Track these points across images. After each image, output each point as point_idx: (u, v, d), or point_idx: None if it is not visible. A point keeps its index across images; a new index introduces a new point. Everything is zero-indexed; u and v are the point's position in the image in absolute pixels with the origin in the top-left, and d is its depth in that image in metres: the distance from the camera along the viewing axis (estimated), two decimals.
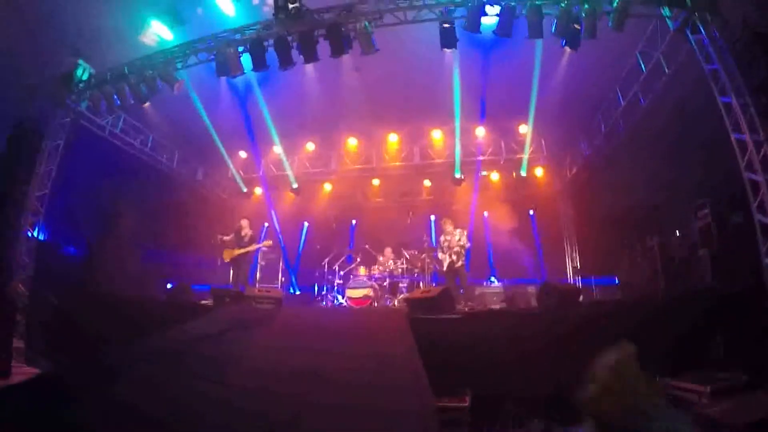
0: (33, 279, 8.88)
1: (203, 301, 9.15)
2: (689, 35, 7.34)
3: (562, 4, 7.58)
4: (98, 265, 10.49)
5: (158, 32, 9.34)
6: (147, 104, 9.67)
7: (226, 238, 10.81)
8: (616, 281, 11.52)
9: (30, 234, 9.12)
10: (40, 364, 7.66)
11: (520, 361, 5.67)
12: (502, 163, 14.11)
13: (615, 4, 7.41)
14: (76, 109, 9.96)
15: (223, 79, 9.29)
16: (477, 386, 5.27)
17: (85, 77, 9.86)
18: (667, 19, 7.74)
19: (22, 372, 7.36)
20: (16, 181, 8.97)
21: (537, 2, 7.67)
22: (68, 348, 7.33)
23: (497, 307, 10.48)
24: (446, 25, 8.11)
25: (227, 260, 10.74)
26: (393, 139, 14.13)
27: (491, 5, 7.90)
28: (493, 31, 7.96)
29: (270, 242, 11.73)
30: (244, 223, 10.99)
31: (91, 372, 4.73)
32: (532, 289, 11.45)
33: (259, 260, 13.43)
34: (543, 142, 13.72)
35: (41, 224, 9.36)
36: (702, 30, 7.14)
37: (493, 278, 13.09)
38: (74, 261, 11.38)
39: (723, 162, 7.64)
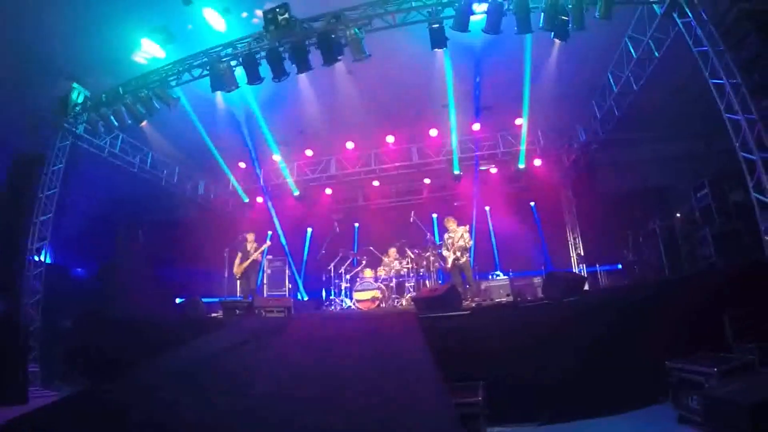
0: (44, 303, 9.02)
1: (214, 315, 9.24)
2: (677, 19, 7.43)
3: None
4: (108, 286, 10.60)
5: (150, 51, 9.46)
6: (144, 123, 9.78)
7: (237, 261, 10.89)
8: (621, 267, 11.61)
9: (37, 259, 9.22)
10: (57, 388, 7.82)
11: (529, 352, 5.79)
12: (500, 157, 14.18)
13: None
14: (74, 132, 10.12)
15: (219, 93, 9.33)
16: (489, 379, 5.37)
17: (80, 100, 10.01)
18: (653, 5, 7.85)
19: (40, 396, 7.57)
20: (20, 208, 9.09)
21: None
22: (85, 370, 7.44)
23: (504, 300, 10.56)
24: (435, 26, 8.21)
25: (238, 275, 10.83)
26: (390, 140, 14.21)
27: (478, 3, 7.99)
28: (482, 29, 8.05)
29: (269, 242, 11.79)
30: (250, 237, 11.10)
31: (110, 397, 4.85)
32: (537, 280, 11.55)
33: (265, 268, 13.54)
34: (539, 132, 13.80)
35: (48, 248, 9.51)
36: (689, 13, 7.22)
37: (498, 272, 13.17)
38: (84, 283, 11.52)
39: (721, 141, 7.73)
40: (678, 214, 9.61)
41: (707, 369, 4.58)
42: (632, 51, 9.18)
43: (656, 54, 8.56)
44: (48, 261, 9.53)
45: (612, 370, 5.52)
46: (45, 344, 8.65)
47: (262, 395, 4.50)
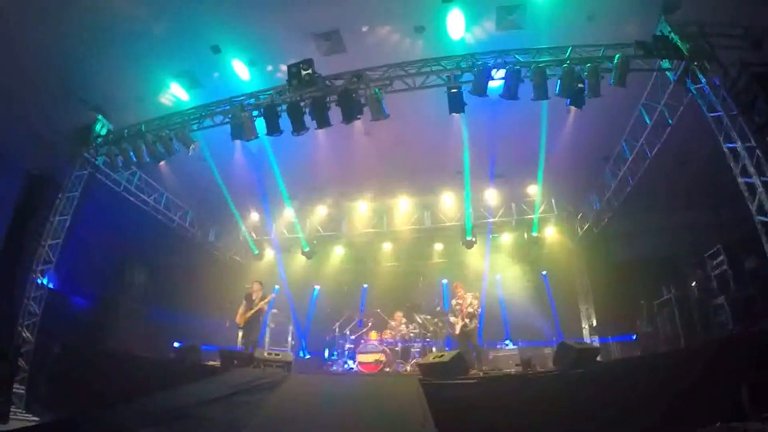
0: (39, 327, 8.99)
1: (211, 362, 8.96)
2: (690, 85, 7.64)
3: (565, 65, 7.95)
4: (105, 319, 10.47)
5: (176, 94, 9.78)
6: (162, 163, 9.91)
7: (241, 310, 10.72)
8: (635, 337, 11.22)
9: (40, 282, 9.26)
10: (39, 413, 7.68)
11: (538, 426, 5.44)
12: (513, 224, 14.14)
13: (615, 61, 7.74)
14: (93, 163, 10.36)
15: (237, 141, 9.47)
16: None
17: (103, 132, 10.38)
18: (667, 72, 8.07)
19: (22, 419, 7.52)
20: (30, 229, 9.19)
21: (540, 64, 8.06)
22: (69, 400, 7.26)
23: (512, 370, 10.15)
24: (454, 90, 8.47)
25: (241, 324, 10.60)
26: (404, 202, 14.39)
27: (497, 69, 8.27)
28: (500, 95, 8.28)
29: (275, 294, 11.57)
30: (256, 286, 10.99)
31: (92, 428, 4.62)
32: (548, 351, 11.22)
33: (268, 323, 13.31)
34: (553, 200, 13.84)
35: (52, 273, 9.57)
36: (702, 79, 7.42)
37: (507, 341, 12.79)
38: (82, 312, 11.39)
39: (732, 207, 7.64)
40: (693, 283, 9.35)
41: None
42: (646, 118, 9.39)
43: (670, 121, 8.75)
44: (51, 286, 9.49)
45: None
46: (34, 368, 8.55)
47: None
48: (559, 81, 8.01)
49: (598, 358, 7.92)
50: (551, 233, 14.51)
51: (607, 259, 13.71)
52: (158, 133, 9.67)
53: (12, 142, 10.50)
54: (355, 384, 9.10)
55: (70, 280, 11.35)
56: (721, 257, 8.30)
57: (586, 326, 13.95)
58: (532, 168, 11.71)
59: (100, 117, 10.26)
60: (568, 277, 14.58)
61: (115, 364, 7.98)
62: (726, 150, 7.18)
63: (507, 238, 15.04)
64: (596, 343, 12.95)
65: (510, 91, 8.14)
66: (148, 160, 9.91)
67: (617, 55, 7.75)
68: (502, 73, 8.24)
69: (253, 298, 10.82)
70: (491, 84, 8.29)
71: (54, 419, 7.20)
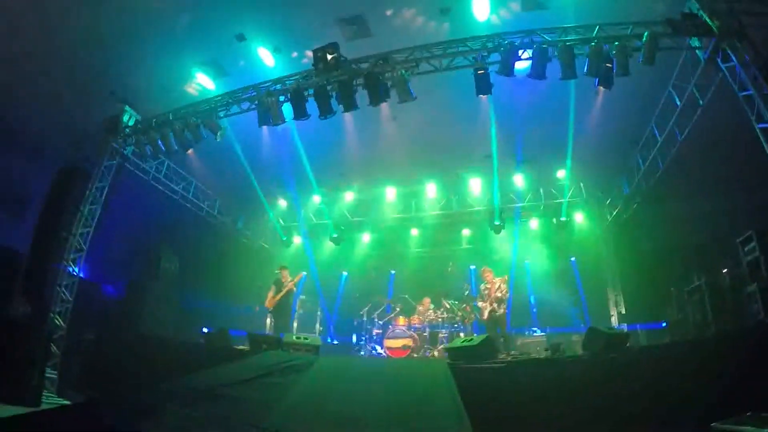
0: (72, 314, 9.22)
1: (240, 347, 9.12)
2: (720, 64, 7.45)
3: (593, 44, 7.85)
4: (136, 306, 10.73)
5: (202, 83, 9.91)
6: (191, 151, 10.10)
7: (270, 294, 10.90)
8: (665, 324, 11.02)
9: (71, 270, 9.47)
10: (71, 397, 7.91)
11: (567, 410, 5.42)
12: (541, 209, 14.02)
13: (644, 39, 7.62)
14: (122, 153, 10.54)
15: (265, 128, 9.59)
16: None
17: (131, 122, 10.52)
18: (696, 50, 7.91)
19: (53, 402, 7.64)
20: (60, 219, 9.36)
21: (567, 43, 7.96)
22: (102, 383, 7.45)
23: (541, 355, 10.09)
24: (480, 72, 8.39)
25: (271, 309, 10.75)
26: (431, 187, 14.37)
27: (523, 49, 8.20)
28: (527, 74, 8.20)
29: (304, 273, 11.70)
30: (284, 272, 11.10)
31: (122, 407, 4.76)
32: (576, 337, 11.10)
33: (297, 308, 13.46)
34: (582, 185, 13.62)
35: (83, 262, 9.74)
36: (733, 57, 7.23)
37: (535, 328, 12.70)
38: (113, 300, 11.67)
39: (762, 195, 7.39)
40: (724, 270, 9.10)
41: (757, 430, 4.11)
42: (677, 99, 9.19)
43: (700, 102, 8.56)
44: (82, 275, 9.73)
45: None
46: (66, 353, 8.80)
47: (275, 430, 4.31)
48: (587, 60, 7.90)
49: (627, 344, 7.83)
50: (580, 219, 14.34)
51: (636, 244, 13.46)
52: (186, 121, 9.80)
53: (46, 134, 10.84)
54: (384, 367, 9.18)
55: (101, 269, 11.67)
56: (753, 243, 8.04)
57: (615, 313, 13.75)
58: (561, 151, 11.62)
59: (127, 108, 10.41)
60: (597, 263, 14.36)
61: (146, 349, 8.21)
62: (758, 130, 6.99)
63: (535, 224, 14.92)
64: (625, 330, 12.80)
65: (538, 71, 8.05)
66: (176, 148, 10.03)
67: (645, 33, 7.60)
68: (529, 53, 8.15)
69: (282, 282, 10.96)
70: (519, 65, 8.22)
71: (86, 400, 7.46)
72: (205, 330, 11.45)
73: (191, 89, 10.21)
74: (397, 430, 4.27)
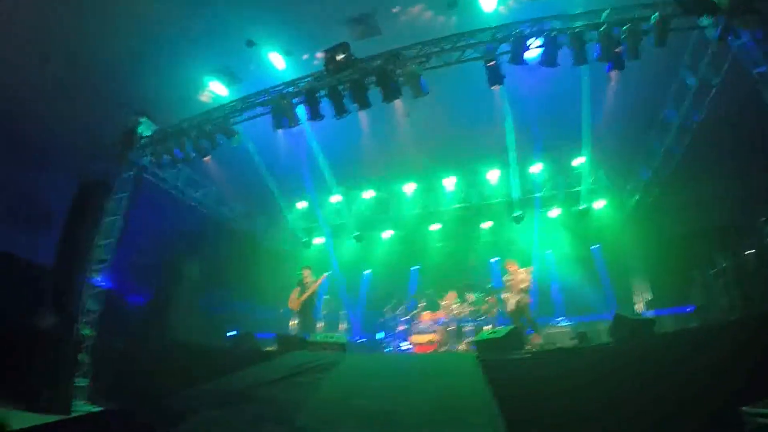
0: (99, 323, 9.39)
1: (267, 348, 9.22)
2: (731, 42, 7.39)
3: (602, 28, 7.78)
4: (161, 314, 10.88)
5: (215, 90, 10.10)
6: (208, 158, 10.24)
7: (294, 296, 10.99)
8: (691, 309, 10.88)
9: (97, 281, 9.66)
10: (102, 405, 8.11)
11: (595, 398, 5.38)
12: (562, 197, 13.89)
13: (653, 21, 7.53)
14: (139, 163, 10.69)
15: (280, 131, 9.68)
16: (551, 426, 4.98)
17: (147, 133, 10.64)
18: (707, 29, 7.80)
19: (82, 411, 7.91)
20: (84, 231, 9.59)
21: (577, 29, 7.94)
22: (132, 391, 7.57)
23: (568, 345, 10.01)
24: (491, 63, 8.41)
25: (296, 309, 10.85)
26: (449, 182, 14.38)
27: (533, 38, 8.19)
28: (539, 63, 8.20)
29: (327, 273, 11.77)
30: (306, 272, 11.17)
31: (154, 413, 4.86)
32: (602, 326, 10.92)
33: (321, 309, 13.54)
34: (601, 172, 13.43)
35: (107, 272, 9.90)
36: (743, 34, 7.17)
37: (560, 318, 12.59)
38: (138, 309, 11.86)
39: None
40: (749, 251, 8.97)
41: None
42: (690, 80, 9.10)
43: (714, 82, 8.48)
44: (106, 286, 9.90)
45: (683, 420, 5.07)
46: (96, 362, 8.94)
47: (306, 428, 4.36)
48: (598, 45, 7.86)
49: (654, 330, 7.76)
50: (601, 205, 14.16)
51: (659, 229, 13.27)
52: (202, 129, 9.93)
53: (66, 149, 11.07)
54: (411, 362, 9.20)
55: (126, 278, 11.87)
56: None
57: (640, 299, 13.58)
58: (578, 139, 11.57)
59: (142, 119, 10.52)
60: (620, 249, 14.17)
61: (174, 355, 8.37)
62: None
63: (556, 213, 14.75)
64: (651, 316, 12.64)
65: (549, 58, 8.04)
66: (193, 155, 10.17)
67: (655, 14, 7.51)
68: (539, 41, 8.12)
69: (305, 282, 11.04)
70: (529, 54, 8.21)
71: (118, 407, 7.60)
72: (230, 334, 11.59)
73: (205, 97, 10.38)
74: (427, 424, 4.29)
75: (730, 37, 7.33)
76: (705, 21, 7.65)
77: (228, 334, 11.88)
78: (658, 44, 7.55)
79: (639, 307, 13.38)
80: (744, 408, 4.63)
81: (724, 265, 9.57)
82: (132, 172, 10.53)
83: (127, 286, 12.22)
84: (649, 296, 13.34)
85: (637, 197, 13.55)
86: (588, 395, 5.52)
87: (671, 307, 12.07)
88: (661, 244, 12.76)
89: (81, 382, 8.57)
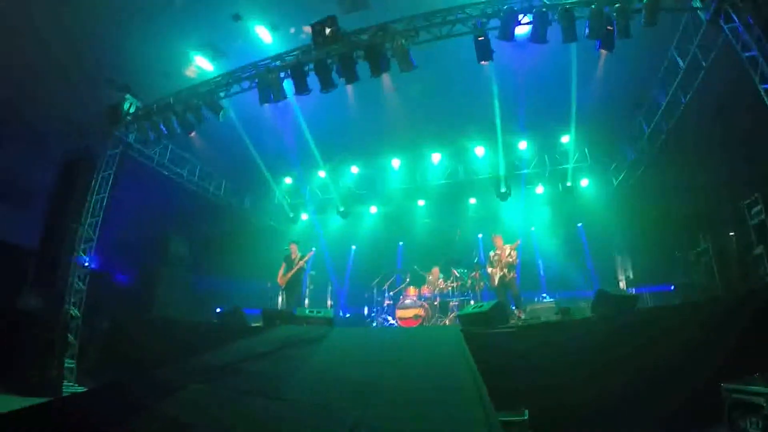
0: (86, 303, 9.38)
1: (254, 324, 9.28)
2: (723, 25, 7.34)
3: (593, 6, 7.77)
4: (149, 291, 10.87)
5: (200, 65, 10.01)
6: (193, 134, 10.11)
7: (281, 272, 11.07)
8: (672, 288, 11.10)
9: (83, 260, 9.60)
10: (89, 385, 8.13)
11: (576, 373, 5.55)
12: (547, 175, 13.96)
13: (645, 0, 7.50)
14: (124, 140, 10.59)
15: (267, 106, 9.60)
16: (534, 398, 5.11)
17: (132, 110, 10.55)
18: (698, 11, 7.79)
19: (73, 391, 8.02)
20: (69, 210, 9.54)
21: (567, 6, 7.92)
22: (119, 369, 7.59)
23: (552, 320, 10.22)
24: (480, 38, 8.35)
25: (283, 285, 10.90)
26: (436, 157, 14.34)
27: (523, 14, 8.16)
28: (528, 39, 8.18)
29: (313, 250, 11.81)
30: (293, 247, 11.20)
31: (141, 388, 4.89)
32: (584, 303, 11.12)
33: (308, 284, 13.61)
34: (587, 150, 13.54)
35: (93, 251, 9.86)
36: (735, 18, 7.12)
37: (544, 294, 12.79)
38: (125, 289, 11.82)
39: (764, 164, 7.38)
40: (731, 233, 9.16)
41: (767, 390, 4.20)
42: (679, 62, 9.08)
43: (703, 63, 8.45)
44: (93, 266, 9.89)
45: (663, 393, 5.35)
46: (83, 342, 8.98)
47: (293, 400, 4.42)
48: (588, 22, 7.83)
49: (636, 306, 7.92)
50: (586, 184, 14.29)
51: (643, 209, 13.44)
52: (187, 103, 9.83)
53: (47, 126, 10.87)
54: (397, 335, 9.30)
55: (112, 257, 11.81)
56: (760, 206, 8.08)
57: (623, 277, 13.83)
58: (565, 117, 11.60)
59: (128, 96, 10.44)
60: (604, 228, 14.37)
61: (161, 332, 8.39)
62: (762, 91, 6.91)
63: (541, 190, 14.86)
64: (634, 292, 12.89)
65: (538, 35, 8.03)
66: (179, 130, 10.10)
67: None
68: (528, 17, 8.10)
69: (292, 258, 11.08)
70: (519, 30, 8.19)
71: (99, 386, 7.59)
72: (218, 310, 11.63)
73: (190, 72, 10.21)
74: (413, 392, 4.38)
75: (721, 20, 7.29)
76: (697, 2, 7.64)
77: (216, 310, 11.92)
78: (648, 24, 7.54)
79: (622, 285, 13.62)
80: (723, 384, 4.79)
81: (705, 246, 9.79)
82: (117, 150, 10.43)
83: (113, 264, 12.16)
84: (630, 274, 13.59)
85: (621, 177, 13.69)
86: (569, 365, 5.67)
87: (653, 285, 12.33)
88: (644, 224, 12.93)
89: (68, 363, 8.58)
